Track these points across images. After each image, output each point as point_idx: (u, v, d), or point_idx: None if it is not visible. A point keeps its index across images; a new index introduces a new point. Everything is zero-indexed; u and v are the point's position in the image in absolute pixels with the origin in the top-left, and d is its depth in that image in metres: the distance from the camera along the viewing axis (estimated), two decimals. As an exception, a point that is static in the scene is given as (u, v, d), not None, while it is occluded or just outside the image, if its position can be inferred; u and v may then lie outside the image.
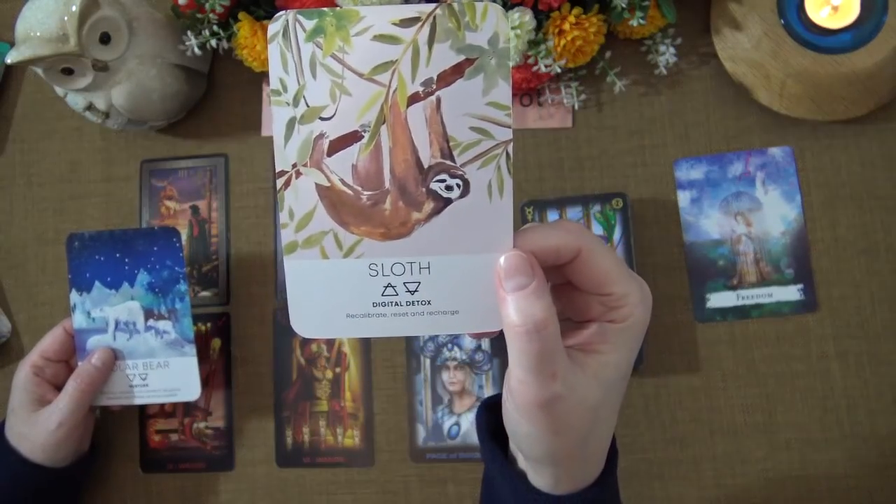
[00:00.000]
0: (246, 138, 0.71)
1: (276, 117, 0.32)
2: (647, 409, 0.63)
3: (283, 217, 0.33)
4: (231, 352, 0.68)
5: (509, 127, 0.32)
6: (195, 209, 0.70)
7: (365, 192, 0.33)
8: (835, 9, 0.60)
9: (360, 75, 0.32)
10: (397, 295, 0.34)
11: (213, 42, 0.63)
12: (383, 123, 0.32)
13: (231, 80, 0.72)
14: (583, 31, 0.60)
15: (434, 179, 0.33)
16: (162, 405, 0.68)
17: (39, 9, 0.58)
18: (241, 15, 0.62)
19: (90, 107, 0.65)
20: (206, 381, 0.68)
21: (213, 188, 0.70)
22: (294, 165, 0.33)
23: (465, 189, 0.33)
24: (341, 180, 0.33)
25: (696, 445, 0.62)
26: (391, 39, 0.31)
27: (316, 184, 0.33)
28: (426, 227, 0.33)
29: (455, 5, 0.31)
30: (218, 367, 0.68)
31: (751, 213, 0.64)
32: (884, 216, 0.63)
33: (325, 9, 0.31)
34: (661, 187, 0.65)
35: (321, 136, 0.32)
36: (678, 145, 0.66)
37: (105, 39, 0.61)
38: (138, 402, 0.62)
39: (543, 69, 0.61)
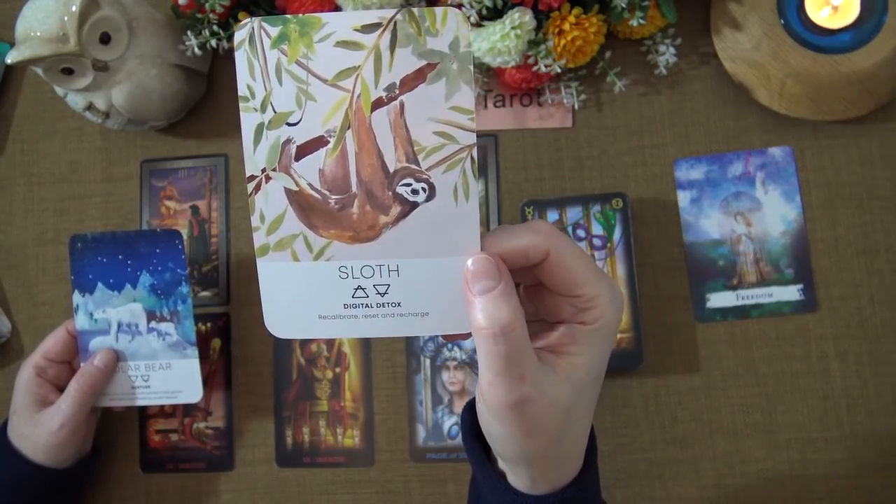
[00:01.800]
0: (246, 138, 0.71)
1: (244, 123, 0.33)
2: (647, 409, 0.63)
3: (254, 220, 0.34)
4: (231, 352, 0.68)
5: (473, 131, 0.33)
6: (195, 209, 0.70)
7: (333, 196, 0.34)
8: (835, 9, 0.60)
9: (325, 81, 0.32)
10: (367, 297, 0.34)
11: (213, 42, 0.63)
12: (348, 129, 0.33)
13: (231, 80, 0.71)
14: (583, 31, 0.60)
15: (400, 184, 0.33)
16: (162, 405, 0.68)
17: (39, 9, 0.58)
18: (241, 15, 0.62)
19: (90, 107, 0.65)
20: (205, 381, 0.68)
21: (213, 188, 0.70)
22: (263, 170, 0.33)
23: (431, 193, 0.33)
24: (309, 184, 0.33)
25: (696, 445, 0.62)
26: (354, 45, 0.32)
27: (285, 188, 0.33)
28: (394, 230, 0.34)
29: (415, 11, 0.31)
30: (218, 367, 0.68)
31: (751, 213, 0.64)
32: (884, 216, 0.63)
33: (288, 16, 0.32)
34: (661, 187, 0.65)
35: (288, 141, 0.33)
36: (678, 145, 0.66)
37: (105, 39, 0.61)
38: (140, 403, 0.62)
39: (543, 69, 0.61)
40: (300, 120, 0.33)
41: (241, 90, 0.33)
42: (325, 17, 0.32)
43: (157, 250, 0.60)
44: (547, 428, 0.34)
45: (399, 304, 0.35)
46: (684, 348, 0.63)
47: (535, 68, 0.62)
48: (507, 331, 0.31)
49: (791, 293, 0.63)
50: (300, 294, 0.35)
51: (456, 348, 0.65)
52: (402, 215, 0.34)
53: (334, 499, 0.65)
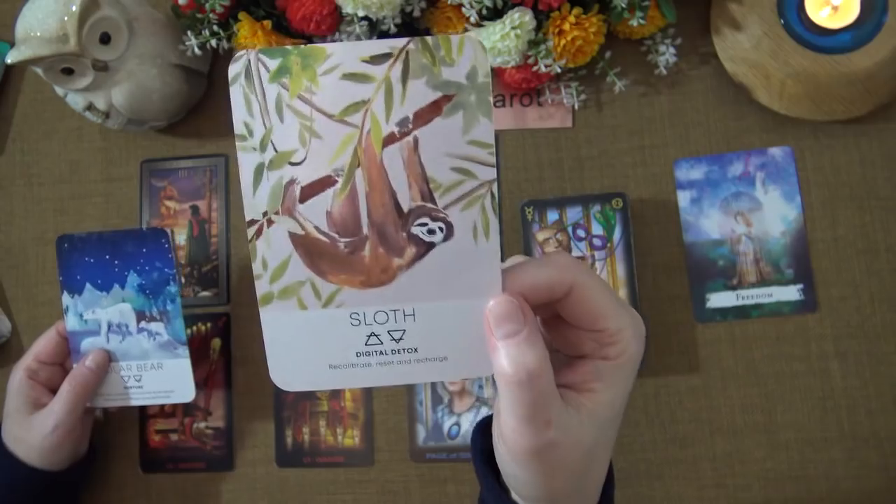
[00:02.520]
0: (246, 138, 0.71)
1: (242, 164, 0.31)
2: (647, 409, 0.63)
3: (256, 268, 0.32)
4: (231, 352, 0.68)
5: (493, 166, 0.31)
6: (195, 209, 0.70)
7: (342, 240, 0.31)
8: (835, 9, 0.60)
9: (331, 117, 0.30)
10: (382, 344, 0.32)
11: (213, 42, 0.63)
12: (357, 167, 0.30)
13: (231, 80, 0.71)
14: (583, 31, 0.60)
15: (415, 223, 0.31)
16: (162, 405, 0.68)
17: (39, 9, 0.58)
18: (241, 15, 0.62)
19: (90, 107, 0.65)
20: (205, 381, 0.68)
21: (213, 188, 0.70)
22: (265, 214, 0.31)
23: (449, 232, 0.31)
24: (316, 227, 0.31)
25: (696, 445, 0.62)
26: (362, 78, 0.29)
27: (289, 232, 0.31)
28: (409, 273, 0.31)
29: (429, 39, 0.29)
30: (218, 367, 0.68)
31: (751, 213, 0.64)
32: (884, 216, 0.63)
33: (288, 47, 0.29)
34: (661, 187, 0.65)
35: (292, 181, 0.30)
36: (678, 145, 0.66)
37: (105, 39, 0.61)
38: (134, 403, 0.62)
39: (543, 69, 0.61)
40: (304, 159, 0.30)
41: (238, 128, 0.31)
42: (330, 47, 0.29)
43: (144, 250, 0.59)
44: (570, 469, 0.33)
45: (416, 350, 0.33)
46: (684, 348, 0.63)
47: (535, 68, 0.62)
48: (533, 377, 0.30)
49: (791, 293, 0.63)
50: (308, 344, 0.33)
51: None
52: (418, 257, 0.31)
53: (334, 499, 0.65)
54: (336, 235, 0.31)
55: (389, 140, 0.30)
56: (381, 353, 0.33)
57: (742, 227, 0.64)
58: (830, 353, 0.62)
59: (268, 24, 0.62)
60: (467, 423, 0.64)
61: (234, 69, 0.30)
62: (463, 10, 0.61)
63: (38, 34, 0.58)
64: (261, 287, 0.32)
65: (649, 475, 0.62)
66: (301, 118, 0.30)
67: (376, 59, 0.29)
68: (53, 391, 0.60)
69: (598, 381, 0.33)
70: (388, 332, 0.32)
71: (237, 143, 0.30)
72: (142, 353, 0.61)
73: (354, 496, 0.65)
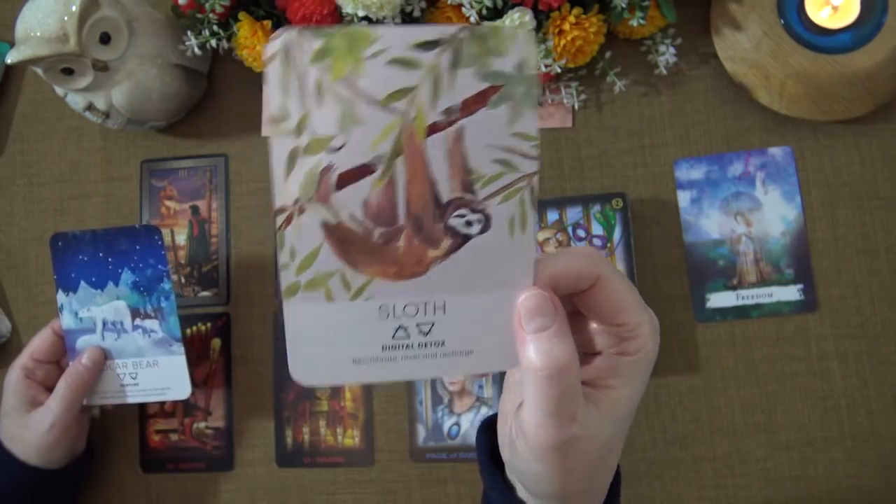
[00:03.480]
0: (246, 138, 0.71)
1: (275, 148, 0.28)
2: (647, 409, 0.63)
3: (282, 258, 0.30)
4: (231, 352, 0.68)
5: (535, 159, 0.30)
6: (195, 209, 0.70)
7: (377, 230, 0.30)
8: (835, 9, 0.60)
9: (374, 103, 0.28)
10: (409, 337, 0.32)
11: (213, 42, 0.63)
12: (399, 155, 0.29)
13: (231, 80, 0.72)
14: (583, 31, 0.60)
15: (453, 215, 0.30)
16: (162, 405, 0.68)
17: (39, 9, 0.58)
18: (241, 15, 0.62)
19: (90, 107, 0.65)
20: (205, 381, 0.68)
21: (213, 188, 0.70)
22: (297, 201, 0.29)
23: (487, 224, 0.30)
24: (351, 216, 0.30)
25: (696, 445, 0.62)
26: (410, 64, 0.28)
27: (322, 221, 0.29)
28: (443, 265, 0.31)
29: (482, 28, 0.29)
30: (218, 367, 0.68)
31: (751, 213, 0.64)
32: (884, 216, 0.63)
33: (333, 29, 0.28)
34: (661, 187, 0.65)
35: (328, 168, 0.29)
36: (678, 145, 0.66)
37: (105, 39, 0.61)
38: (130, 400, 0.62)
39: (543, 69, 0.61)
40: (343, 145, 0.29)
41: (274, 109, 0.28)
42: (378, 30, 0.28)
43: (137, 247, 0.59)
44: (588, 465, 0.33)
45: (443, 343, 0.32)
46: (684, 348, 0.63)
47: (535, 68, 0.62)
48: (563, 371, 0.30)
49: (791, 293, 0.63)
50: (333, 337, 0.31)
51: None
52: (454, 248, 0.31)
53: (334, 499, 0.65)
54: (371, 225, 0.30)
55: (433, 129, 0.29)
56: (408, 346, 0.32)
57: (742, 227, 0.64)
58: (830, 353, 0.62)
59: (268, 24, 0.62)
60: (467, 423, 0.64)
61: (272, 48, 0.27)
62: (463, 10, 0.61)
63: (38, 34, 0.58)
64: (286, 278, 0.30)
65: (649, 475, 0.62)
66: (343, 103, 0.28)
67: (426, 46, 0.28)
68: (50, 389, 0.60)
69: (617, 378, 0.33)
70: (417, 325, 0.32)
71: (271, 126, 0.28)
72: (137, 350, 0.61)
73: (354, 496, 0.65)
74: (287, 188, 0.29)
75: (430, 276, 0.31)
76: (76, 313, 0.61)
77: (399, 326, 0.31)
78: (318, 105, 0.28)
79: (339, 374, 0.32)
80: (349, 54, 0.28)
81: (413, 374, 0.32)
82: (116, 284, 0.60)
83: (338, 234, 0.30)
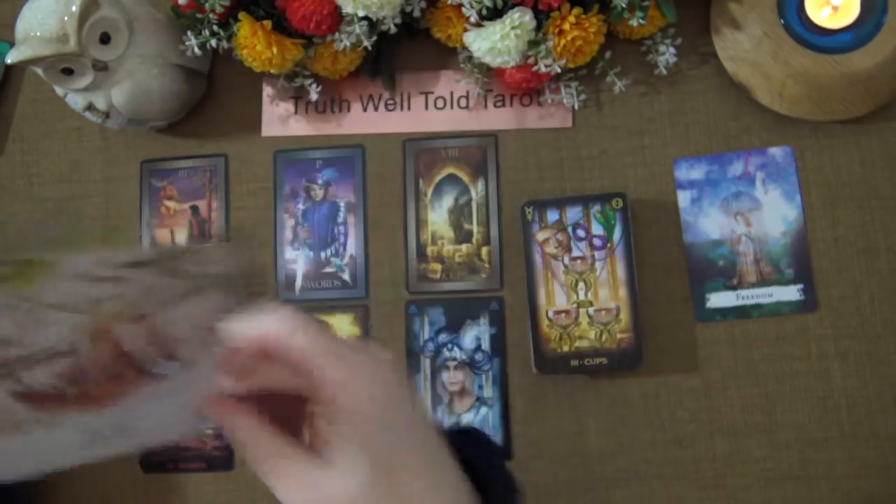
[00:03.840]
0: (246, 138, 0.71)
1: None
2: (647, 409, 0.63)
3: None
4: (231, 352, 0.68)
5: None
6: (195, 209, 0.70)
7: (67, 387, 0.32)
8: (835, 9, 0.60)
9: (57, 309, 0.31)
10: (101, 434, 0.35)
11: (213, 42, 0.63)
12: (89, 340, 0.32)
13: (231, 80, 0.72)
14: (583, 31, 0.60)
15: (153, 366, 0.34)
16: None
17: (39, 9, 0.58)
18: (241, 15, 0.62)
19: (90, 107, 0.65)
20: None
21: (213, 188, 0.70)
22: None
23: (179, 370, 0.34)
24: (43, 383, 0.32)
25: (696, 445, 0.62)
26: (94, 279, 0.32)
27: (13, 391, 0.32)
28: (136, 394, 0.34)
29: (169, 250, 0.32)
30: (218, 368, 0.68)
31: (751, 213, 0.64)
32: (884, 216, 0.63)
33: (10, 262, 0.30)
34: (661, 187, 0.65)
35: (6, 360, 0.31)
36: (678, 145, 0.66)
37: (105, 39, 0.61)
38: None
39: (543, 69, 0.61)
40: (19, 341, 0.31)
41: None
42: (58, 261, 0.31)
43: None
44: None
45: (135, 429, 0.36)
46: (684, 348, 0.63)
47: (535, 68, 0.62)
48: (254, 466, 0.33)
49: (791, 293, 0.63)
50: (29, 451, 0.35)
51: (456, 348, 0.65)
52: (147, 384, 0.34)
53: (334, 499, 0.65)
54: (64, 385, 0.32)
55: (130, 319, 0.33)
56: (99, 440, 0.35)
57: (742, 227, 0.64)
58: (830, 353, 0.62)
59: (268, 24, 0.62)
60: (467, 422, 0.64)
61: None
62: (463, 10, 0.61)
63: (38, 34, 0.58)
64: None
65: (649, 475, 0.62)
66: (21, 312, 0.31)
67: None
68: None
69: (333, 436, 0.31)
70: (113, 426, 0.35)
71: None
72: None
73: (354, 496, 0.65)
74: None
75: (125, 402, 0.34)
76: None
77: (94, 431, 0.35)
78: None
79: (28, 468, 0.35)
80: (29, 279, 0.30)
81: (109, 452, 0.35)
82: None
83: (26, 397, 0.32)
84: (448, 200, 0.67)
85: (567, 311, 0.62)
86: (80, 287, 0.31)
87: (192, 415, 0.35)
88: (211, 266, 0.32)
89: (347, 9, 0.61)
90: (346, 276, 0.67)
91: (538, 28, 0.61)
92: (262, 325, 0.32)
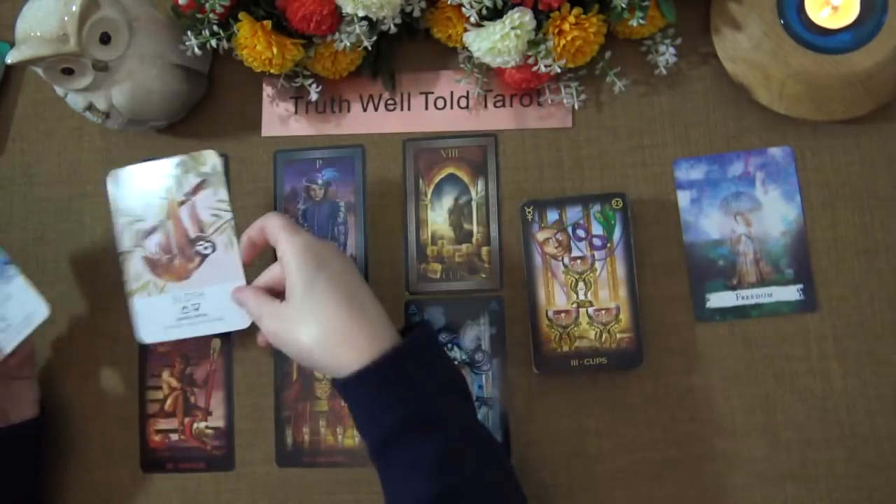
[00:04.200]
0: (246, 138, 0.71)
1: (116, 227, 0.62)
2: (647, 409, 0.63)
3: (125, 277, 0.61)
4: (231, 352, 0.68)
5: (229, 212, 0.60)
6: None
7: (164, 256, 0.61)
8: (835, 9, 0.60)
9: (153, 196, 0.62)
10: (188, 311, 0.61)
11: (214, 42, 0.63)
12: (168, 219, 0.61)
13: (231, 80, 0.72)
14: (583, 31, 0.60)
15: (197, 245, 0.61)
16: (162, 405, 0.68)
17: (40, 9, 0.58)
18: (241, 15, 0.62)
19: (90, 107, 0.65)
20: (205, 381, 0.68)
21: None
22: (127, 249, 0.62)
23: (214, 248, 0.60)
24: (153, 251, 0.61)
25: (696, 445, 0.62)
26: (163, 178, 0.61)
27: (143, 256, 0.61)
28: (198, 271, 0.60)
29: (189, 155, 0.61)
30: (218, 367, 0.68)
31: (751, 213, 0.64)
32: (884, 216, 0.63)
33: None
34: (660, 187, 0.65)
35: (139, 230, 0.61)
36: (678, 145, 0.66)
37: (105, 39, 0.61)
38: (12, 345, 0.59)
39: (543, 69, 0.61)
40: (144, 219, 0.62)
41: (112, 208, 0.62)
42: (153, 163, 0.62)
43: None
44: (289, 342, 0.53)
45: (206, 315, 0.60)
46: (684, 348, 0.63)
47: (535, 68, 0.62)
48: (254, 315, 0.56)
49: (791, 293, 0.63)
50: (153, 315, 0.61)
51: (456, 348, 0.65)
52: (201, 262, 0.60)
53: (334, 499, 0.65)
54: (162, 254, 0.61)
55: (181, 203, 0.61)
56: (188, 317, 0.61)
57: (742, 227, 0.64)
58: (830, 353, 0.62)
59: (268, 24, 0.62)
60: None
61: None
62: (463, 10, 0.61)
63: (39, 34, 0.58)
64: (127, 287, 0.61)
65: (649, 475, 0.62)
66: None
67: (170, 167, 0.61)
68: None
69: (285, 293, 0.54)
70: (192, 304, 0.61)
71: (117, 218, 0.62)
72: None
73: (354, 496, 0.65)
74: (122, 242, 0.62)
75: (192, 278, 0.60)
76: None
77: (183, 306, 0.61)
78: (131, 199, 0.62)
79: (160, 336, 0.61)
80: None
81: (196, 333, 0.61)
82: None
83: (148, 261, 0.61)
84: (448, 200, 0.67)
85: (567, 311, 0.62)
86: (159, 181, 0.61)
87: (232, 301, 0.59)
88: (202, 167, 0.61)
89: (347, 9, 0.61)
90: (346, 276, 0.67)
91: (538, 28, 0.61)
92: (260, 222, 0.57)
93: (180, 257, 0.60)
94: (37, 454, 0.66)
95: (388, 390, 0.50)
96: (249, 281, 0.58)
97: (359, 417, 0.53)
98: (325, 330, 0.51)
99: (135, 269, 0.61)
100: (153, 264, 0.61)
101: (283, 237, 0.54)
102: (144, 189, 0.61)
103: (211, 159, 0.60)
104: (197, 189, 0.60)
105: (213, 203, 0.60)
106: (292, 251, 0.53)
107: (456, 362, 0.65)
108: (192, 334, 0.60)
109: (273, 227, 0.55)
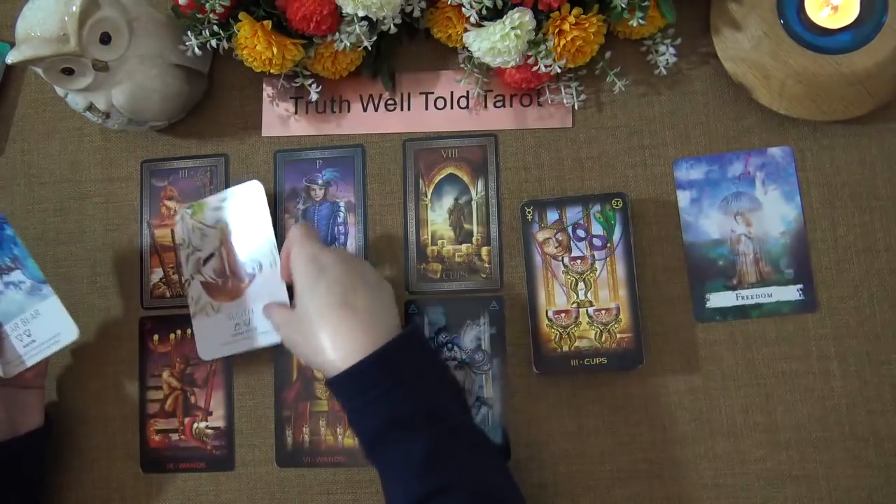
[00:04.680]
0: (246, 138, 0.71)
1: (180, 256, 0.68)
2: (647, 409, 0.63)
3: (189, 300, 0.66)
4: (231, 352, 0.68)
5: (272, 233, 0.65)
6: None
7: (219, 280, 0.66)
8: (835, 9, 0.60)
9: (210, 227, 0.67)
10: (241, 327, 0.65)
11: (214, 42, 0.63)
12: (221, 246, 0.66)
13: (231, 80, 0.72)
14: (583, 31, 0.60)
15: (246, 266, 0.65)
16: (162, 405, 0.68)
17: (40, 9, 0.58)
18: (241, 15, 0.62)
19: (90, 107, 0.65)
20: (206, 381, 0.68)
21: (214, 188, 0.70)
22: (191, 275, 0.67)
23: (261, 267, 0.65)
24: (210, 276, 0.66)
25: (696, 445, 0.62)
26: (219, 209, 0.67)
27: (200, 281, 0.66)
28: (248, 290, 0.65)
29: (236, 187, 0.67)
30: (218, 367, 0.68)
31: (750, 213, 0.64)
32: (884, 216, 0.63)
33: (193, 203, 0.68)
34: (660, 187, 0.65)
35: (198, 259, 0.67)
36: (678, 145, 0.66)
37: (105, 40, 0.61)
38: (35, 360, 0.60)
39: (543, 69, 0.61)
40: (201, 248, 0.67)
41: (178, 239, 0.69)
42: (208, 200, 0.67)
43: None
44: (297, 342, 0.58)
45: (256, 328, 0.64)
46: (684, 348, 0.63)
47: (535, 68, 0.62)
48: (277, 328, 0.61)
49: (791, 293, 0.63)
50: (212, 333, 0.65)
51: (456, 348, 0.65)
52: (251, 282, 0.65)
53: (334, 499, 0.65)
54: (217, 278, 0.66)
55: (231, 231, 0.66)
56: (241, 332, 0.65)
57: (742, 227, 0.64)
58: (830, 353, 0.62)
59: (268, 24, 0.62)
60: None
61: (176, 218, 0.69)
62: (463, 10, 0.61)
63: (39, 34, 0.58)
64: (191, 309, 0.66)
65: (649, 475, 0.62)
66: (198, 229, 0.67)
67: (223, 201, 0.67)
68: None
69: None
70: (244, 321, 0.65)
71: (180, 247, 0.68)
72: (18, 307, 0.60)
73: (354, 496, 0.65)
74: (186, 270, 0.67)
75: (243, 297, 0.65)
76: None
77: (236, 323, 0.65)
78: (191, 233, 0.67)
79: (218, 352, 0.65)
80: (200, 210, 0.67)
81: (248, 347, 0.64)
82: None
83: (206, 285, 0.66)
84: (448, 200, 0.67)
85: (567, 311, 0.62)
86: (213, 214, 0.67)
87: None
88: (252, 195, 0.66)
89: (347, 9, 0.61)
90: (346, 276, 0.67)
91: (538, 28, 0.61)
92: (286, 246, 0.61)
93: (233, 279, 0.65)
94: (41, 465, 0.66)
95: (373, 389, 0.53)
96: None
97: (349, 416, 0.55)
98: (319, 333, 0.55)
99: (195, 293, 0.66)
100: (209, 288, 0.65)
101: (293, 251, 0.58)
102: (201, 223, 0.67)
103: (254, 188, 0.65)
104: (244, 215, 0.65)
105: (258, 226, 0.65)
106: (296, 263, 0.57)
107: (456, 362, 0.65)
108: (245, 348, 0.64)
109: (290, 240, 0.59)
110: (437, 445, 0.51)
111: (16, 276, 0.59)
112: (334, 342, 0.54)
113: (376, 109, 0.70)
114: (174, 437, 0.68)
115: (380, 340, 0.54)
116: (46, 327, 0.60)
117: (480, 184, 0.67)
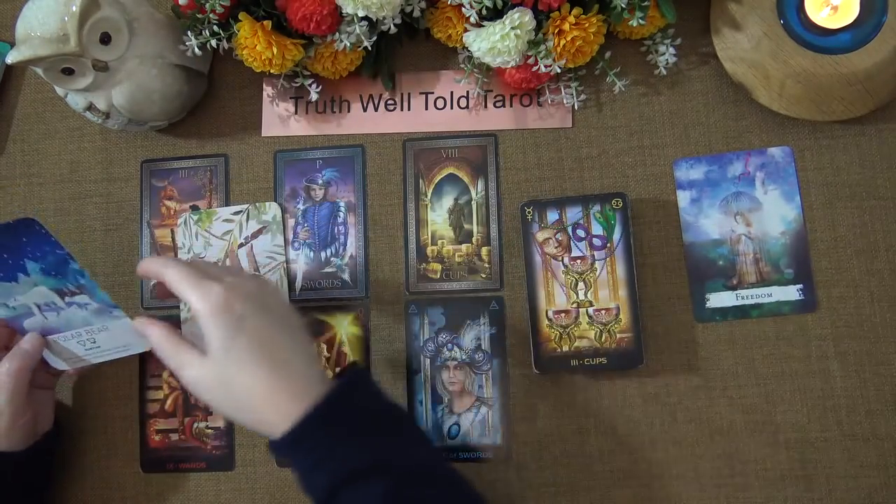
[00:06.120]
0: (246, 138, 0.71)
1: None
2: (647, 409, 0.63)
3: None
4: (231, 352, 0.68)
5: (283, 255, 0.67)
6: (195, 209, 0.70)
7: None
8: (834, 9, 0.60)
9: (217, 237, 0.69)
10: (87, 344, 0.61)
11: (214, 42, 0.63)
12: (226, 258, 0.68)
13: (231, 80, 0.72)
14: (583, 31, 0.60)
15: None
16: (162, 405, 0.68)
17: (40, 9, 0.58)
18: (241, 15, 0.62)
19: (90, 107, 0.65)
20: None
21: (213, 188, 0.70)
22: None
23: None
24: None
25: (696, 445, 0.62)
26: (229, 221, 0.68)
27: None
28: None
29: (254, 204, 0.69)
30: (218, 367, 0.68)
31: (750, 213, 0.64)
32: (884, 216, 0.63)
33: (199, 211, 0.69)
34: (660, 187, 0.65)
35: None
36: (678, 145, 0.66)
37: (105, 40, 0.61)
38: (96, 361, 0.62)
39: (543, 69, 0.61)
40: (205, 256, 0.68)
41: (179, 244, 0.69)
42: (218, 210, 0.69)
43: (24, 239, 0.56)
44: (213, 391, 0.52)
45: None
46: (684, 348, 0.63)
47: (535, 68, 0.62)
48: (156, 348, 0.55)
49: (791, 293, 0.63)
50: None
51: (456, 348, 0.65)
52: None
53: (334, 499, 0.65)
54: None
55: (240, 245, 0.68)
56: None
57: (742, 227, 0.64)
58: (830, 353, 0.62)
59: (268, 24, 0.62)
60: (467, 422, 0.64)
61: (179, 221, 0.70)
62: (463, 10, 0.61)
63: (39, 34, 0.58)
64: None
65: (649, 475, 0.62)
66: (203, 237, 0.68)
67: (236, 213, 0.69)
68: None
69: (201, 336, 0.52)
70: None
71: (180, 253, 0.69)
72: (83, 321, 0.60)
73: (354, 496, 0.65)
74: None
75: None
76: (6, 304, 0.59)
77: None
78: (196, 240, 0.69)
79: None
80: (207, 218, 0.69)
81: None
82: (28, 274, 0.58)
83: None
84: (448, 200, 0.67)
85: (567, 311, 0.62)
86: (220, 225, 0.68)
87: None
88: (263, 215, 0.69)
89: (347, 9, 0.61)
90: (346, 276, 0.67)
91: (538, 28, 0.61)
92: (158, 268, 0.54)
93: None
94: (51, 470, 0.66)
95: (314, 452, 0.49)
96: None
97: (299, 480, 0.51)
98: (248, 395, 0.50)
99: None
100: None
101: (191, 296, 0.51)
102: (207, 231, 0.68)
103: (273, 209, 0.67)
104: (256, 234, 0.67)
105: (270, 247, 0.67)
106: (205, 312, 0.50)
107: (456, 362, 0.65)
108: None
109: (175, 282, 0.52)
110: (392, 491, 0.48)
111: (81, 298, 0.59)
112: (269, 401, 0.50)
113: (376, 109, 0.70)
114: (174, 437, 0.68)
115: (317, 391, 0.50)
116: (115, 339, 0.61)
117: (480, 184, 0.67)
